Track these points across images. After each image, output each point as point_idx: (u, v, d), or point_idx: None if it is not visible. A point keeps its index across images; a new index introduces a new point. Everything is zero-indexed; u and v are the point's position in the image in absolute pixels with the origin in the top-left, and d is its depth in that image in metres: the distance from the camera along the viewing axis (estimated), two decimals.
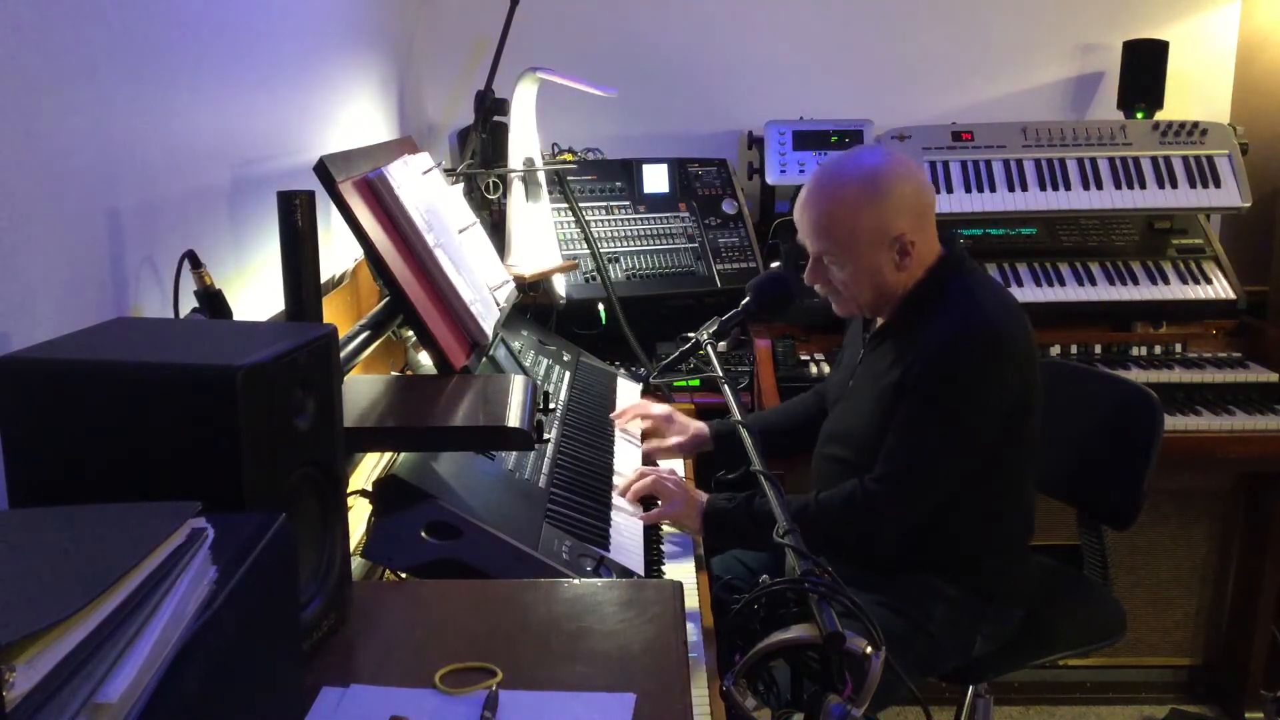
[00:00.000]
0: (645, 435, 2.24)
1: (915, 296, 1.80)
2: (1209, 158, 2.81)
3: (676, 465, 2.13)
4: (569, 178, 2.85)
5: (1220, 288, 2.76)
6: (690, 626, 1.22)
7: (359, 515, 1.46)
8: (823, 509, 1.78)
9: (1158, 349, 2.75)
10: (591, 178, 2.92)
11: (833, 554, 1.91)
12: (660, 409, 2.20)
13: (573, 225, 2.82)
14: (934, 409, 1.73)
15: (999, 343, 1.73)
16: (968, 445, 1.75)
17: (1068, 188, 2.80)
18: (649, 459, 2.12)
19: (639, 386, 2.52)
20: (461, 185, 2.47)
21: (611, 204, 2.90)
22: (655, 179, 2.96)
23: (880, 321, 1.89)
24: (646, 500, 1.86)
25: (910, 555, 1.85)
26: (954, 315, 1.74)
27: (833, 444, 1.94)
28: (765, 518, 1.41)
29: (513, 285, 2.18)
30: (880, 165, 1.77)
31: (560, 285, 2.67)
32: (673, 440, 2.14)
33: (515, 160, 2.53)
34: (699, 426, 2.14)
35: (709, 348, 1.94)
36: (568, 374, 2.32)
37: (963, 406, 1.73)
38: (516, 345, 2.19)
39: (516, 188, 2.54)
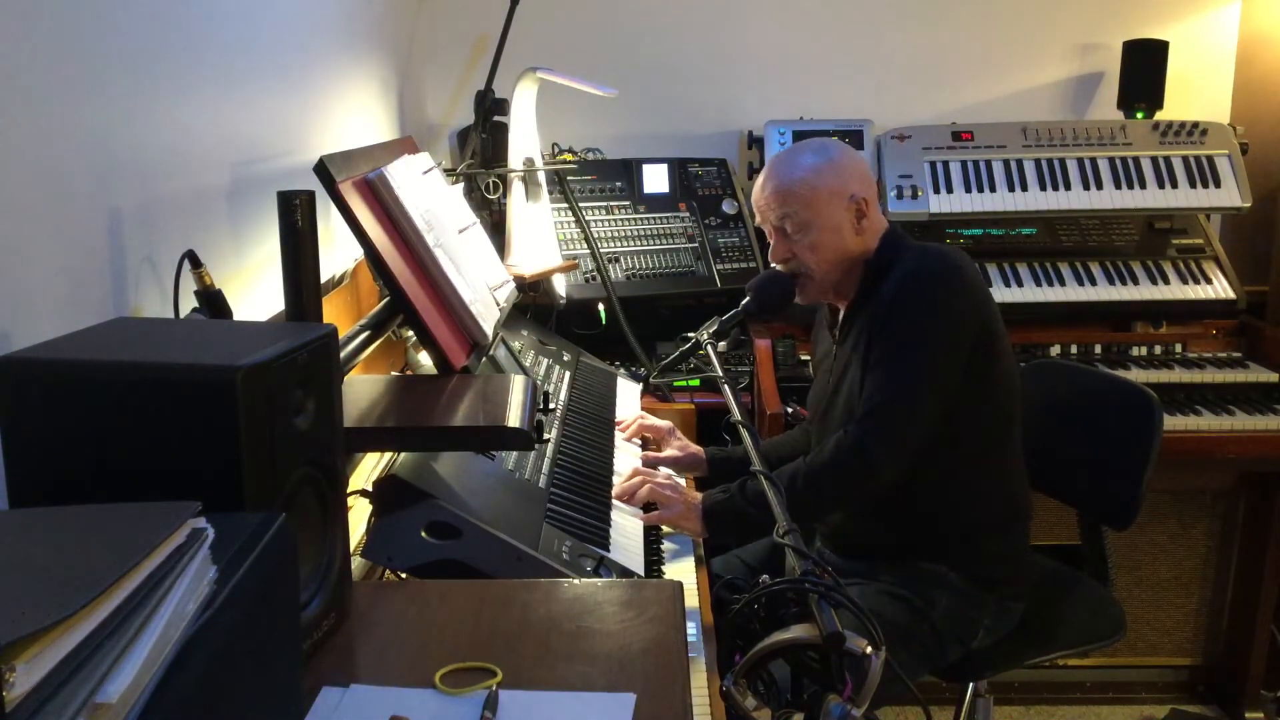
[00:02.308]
0: (645, 443, 2.24)
1: (871, 270, 1.88)
2: (1209, 158, 2.81)
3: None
4: (569, 178, 2.85)
5: (1220, 288, 2.76)
6: (690, 626, 1.22)
7: (359, 515, 1.46)
8: (814, 470, 1.81)
9: (1158, 349, 2.76)
10: (591, 178, 2.92)
11: (831, 541, 1.95)
12: (663, 423, 2.22)
13: (573, 225, 2.82)
14: (902, 339, 1.79)
15: (949, 272, 1.81)
16: (940, 367, 1.78)
17: (1068, 188, 2.80)
18: (648, 463, 2.12)
19: (639, 386, 2.52)
20: (461, 185, 2.46)
21: (611, 204, 2.90)
22: (655, 179, 2.96)
23: (842, 313, 1.95)
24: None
25: (908, 540, 1.87)
26: (904, 266, 1.83)
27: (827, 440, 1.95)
28: (761, 499, 1.41)
29: (513, 285, 2.18)
30: (829, 143, 1.94)
31: (560, 285, 2.67)
32: (669, 453, 2.16)
33: (515, 160, 2.53)
34: (698, 449, 2.16)
35: (709, 348, 1.94)
36: (568, 374, 2.32)
37: (927, 331, 1.78)
38: (516, 345, 2.19)
39: (516, 188, 2.54)
